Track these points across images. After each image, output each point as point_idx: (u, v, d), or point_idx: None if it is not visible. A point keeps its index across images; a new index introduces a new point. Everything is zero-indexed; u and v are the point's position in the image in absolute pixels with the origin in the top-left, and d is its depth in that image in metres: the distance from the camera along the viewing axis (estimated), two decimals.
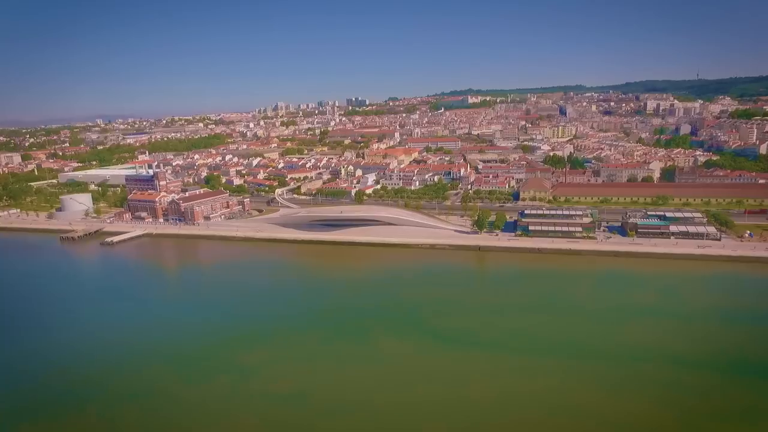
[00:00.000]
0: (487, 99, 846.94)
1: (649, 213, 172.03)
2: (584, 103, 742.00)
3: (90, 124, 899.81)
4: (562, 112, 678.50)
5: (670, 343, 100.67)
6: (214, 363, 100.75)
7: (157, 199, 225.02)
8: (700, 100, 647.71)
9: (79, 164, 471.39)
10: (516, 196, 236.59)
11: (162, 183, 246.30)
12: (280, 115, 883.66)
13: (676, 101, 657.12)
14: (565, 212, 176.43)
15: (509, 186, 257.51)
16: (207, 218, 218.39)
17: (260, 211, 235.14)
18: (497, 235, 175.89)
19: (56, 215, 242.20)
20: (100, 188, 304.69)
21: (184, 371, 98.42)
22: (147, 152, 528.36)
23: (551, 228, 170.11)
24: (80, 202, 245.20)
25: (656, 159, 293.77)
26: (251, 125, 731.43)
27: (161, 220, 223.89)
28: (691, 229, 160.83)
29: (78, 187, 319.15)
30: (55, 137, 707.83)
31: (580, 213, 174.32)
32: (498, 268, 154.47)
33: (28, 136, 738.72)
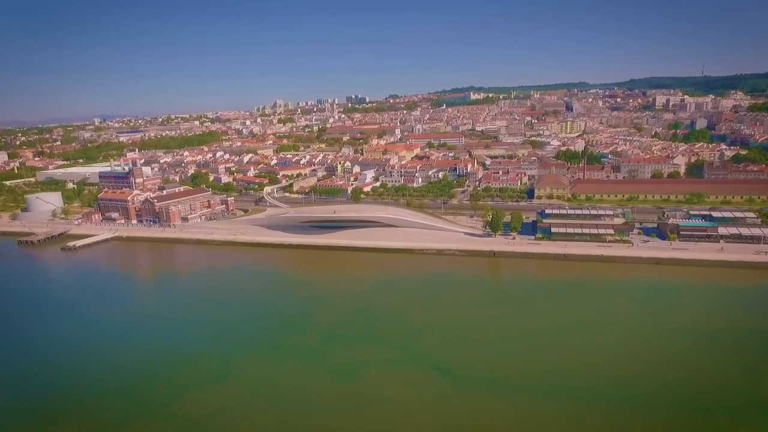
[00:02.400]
0: (490, 96, 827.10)
1: (692, 212, 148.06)
2: (590, 100, 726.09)
3: (87, 123, 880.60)
4: (569, 108, 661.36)
5: (751, 389, 76.51)
6: (149, 407, 77.47)
7: (129, 198, 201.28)
8: (711, 95, 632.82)
9: (64, 162, 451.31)
10: (530, 194, 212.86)
11: (138, 180, 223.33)
12: (278, 112, 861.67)
13: (686, 96, 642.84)
14: (593, 212, 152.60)
15: (521, 183, 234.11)
16: (184, 219, 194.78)
17: (245, 211, 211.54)
18: (514, 238, 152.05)
19: (21, 216, 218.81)
20: (76, 186, 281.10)
21: (113, 415, 75.18)
22: (137, 150, 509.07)
23: (578, 230, 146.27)
24: (47, 201, 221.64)
25: (680, 154, 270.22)
26: (248, 122, 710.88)
27: (134, 221, 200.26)
28: (744, 231, 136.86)
29: (55, 185, 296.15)
30: (47, 136, 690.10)
31: (611, 212, 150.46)
32: (517, 278, 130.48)
33: (20, 134, 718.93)
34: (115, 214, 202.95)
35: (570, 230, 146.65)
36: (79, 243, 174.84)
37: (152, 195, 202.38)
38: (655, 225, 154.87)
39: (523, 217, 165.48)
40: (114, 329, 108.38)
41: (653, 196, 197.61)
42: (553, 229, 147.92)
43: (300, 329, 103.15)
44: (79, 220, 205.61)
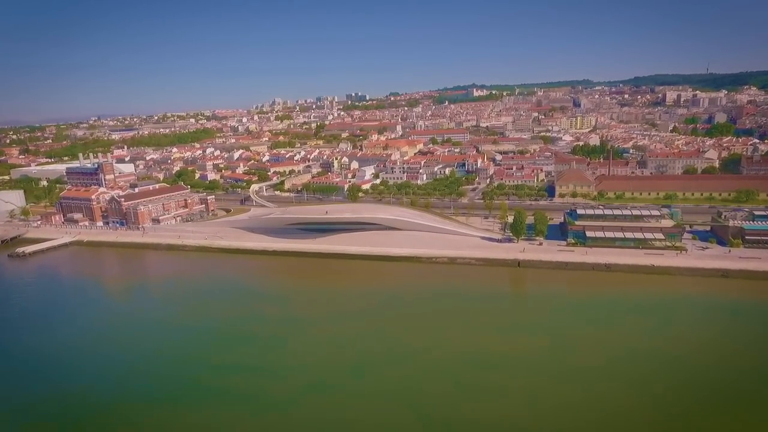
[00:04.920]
0: (493, 93, 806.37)
1: (756, 213, 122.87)
2: (596, 96, 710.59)
3: (81, 122, 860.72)
4: (576, 104, 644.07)
5: None
6: None
7: (93, 197, 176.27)
8: (724, 90, 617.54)
9: (48, 160, 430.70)
10: (551, 192, 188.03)
11: (109, 177, 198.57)
12: (276, 110, 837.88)
13: (698, 92, 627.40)
14: (635, 212, 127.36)
15: (538, 180, 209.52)
16: (156, 221, 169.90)
17: (228, 211, 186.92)
18: (540, 243, 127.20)
19: None
20: (47, 184, 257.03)
21: None
22: (126, 147, 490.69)
23: (618, 234, 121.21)
24: (6, 200, 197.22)
25: (710, 148, 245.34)
26: (244, 120, 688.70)
27: (99, 223, 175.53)
28: None
29: (27, 183, 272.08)
30: (39, 134, 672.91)
31: (657, 213, 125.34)
32: (550, 295, 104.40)
33: (11, 133, 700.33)
34: (78, 215, 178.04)
35: (609, 234, 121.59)
36: (30, 249, 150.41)
37: (120, 193, 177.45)
38: (708, 228, 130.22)
39: (547, 217, 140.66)
40: (27, 362, 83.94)
41: (692, 194, 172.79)
42: (589, 233, 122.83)
43: (267, 369, 77.78)
44: (38, 222, 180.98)
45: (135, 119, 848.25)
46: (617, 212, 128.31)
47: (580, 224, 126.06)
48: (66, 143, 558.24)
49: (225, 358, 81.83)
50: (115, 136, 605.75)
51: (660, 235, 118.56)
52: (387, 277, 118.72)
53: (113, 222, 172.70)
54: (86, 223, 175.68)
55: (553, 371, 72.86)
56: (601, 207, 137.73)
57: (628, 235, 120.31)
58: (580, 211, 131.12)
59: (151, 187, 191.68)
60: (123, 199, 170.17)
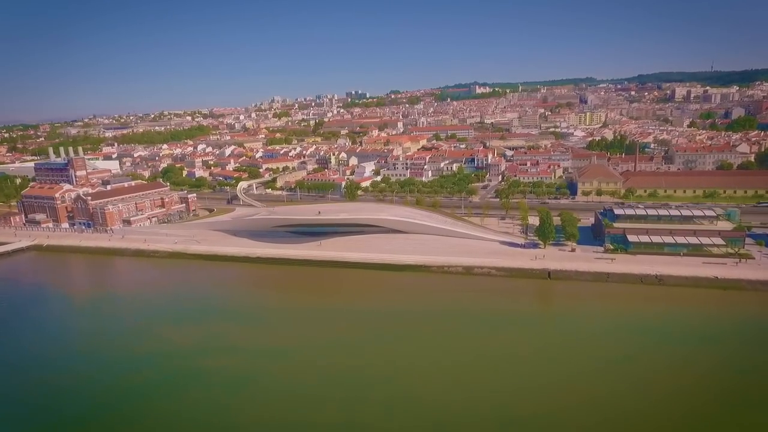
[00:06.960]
0: (496, 90, 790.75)
1: None
2: (602, 93, 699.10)
3: (75, 120, 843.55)
4: (582, 100, 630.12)
5: None
6: None
7: (57, 195, 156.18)
8: (735, 86, 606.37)
9: (34, 157, 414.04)
10: (573, 189, 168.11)
11: (80, 173, 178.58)
12: (275, 108, 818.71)
13: (709, 88, 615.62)
14: (684, 212, 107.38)
15: (555, 176, 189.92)
16: (127, 222, 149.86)
17: (211, 210, 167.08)
18: (573, 249, 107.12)
19: None
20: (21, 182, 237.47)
21: None
22: (116, 144, 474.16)
23: (668, 239, 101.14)
24: None
25: (741, 142, 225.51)
26: (241, 117, 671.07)
27: (65, 224, 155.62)
28: None
29: (3, 181, 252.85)
30: (32, 132, 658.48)
31: (711, 213, 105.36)
32: (592, 316, 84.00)
33: (4, 131, 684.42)
34: (41, 216, 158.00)
35: (656, 238, 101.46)
36: None
37: (89, 191, 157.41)
38: None
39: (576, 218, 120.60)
40: None
41: (734, 192, 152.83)
42: (630, 237, 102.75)
43: (222, 425, 58.10)
44: None
45: (131, 117, 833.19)
46: (663, 212, 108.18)
47: (619, 226, 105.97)
48: (57, 141, 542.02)
49: (163, 408, 61.77)
50: (109, 133, 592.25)
51: (718, 240, 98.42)
52: (390, 290, 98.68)
53: (80, 223, 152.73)
54: (50, 225, 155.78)
55: None
56: (641, 206, 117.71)
57: (680, 239, 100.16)
58: (618, 211, 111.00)
59: (126, 185, 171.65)
60: (90, 198, 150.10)
